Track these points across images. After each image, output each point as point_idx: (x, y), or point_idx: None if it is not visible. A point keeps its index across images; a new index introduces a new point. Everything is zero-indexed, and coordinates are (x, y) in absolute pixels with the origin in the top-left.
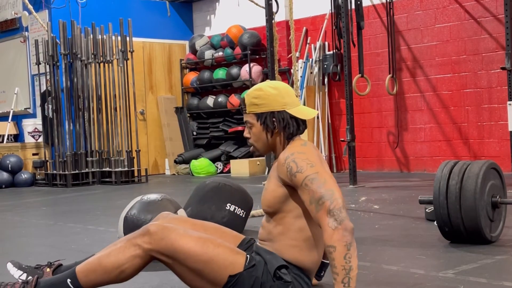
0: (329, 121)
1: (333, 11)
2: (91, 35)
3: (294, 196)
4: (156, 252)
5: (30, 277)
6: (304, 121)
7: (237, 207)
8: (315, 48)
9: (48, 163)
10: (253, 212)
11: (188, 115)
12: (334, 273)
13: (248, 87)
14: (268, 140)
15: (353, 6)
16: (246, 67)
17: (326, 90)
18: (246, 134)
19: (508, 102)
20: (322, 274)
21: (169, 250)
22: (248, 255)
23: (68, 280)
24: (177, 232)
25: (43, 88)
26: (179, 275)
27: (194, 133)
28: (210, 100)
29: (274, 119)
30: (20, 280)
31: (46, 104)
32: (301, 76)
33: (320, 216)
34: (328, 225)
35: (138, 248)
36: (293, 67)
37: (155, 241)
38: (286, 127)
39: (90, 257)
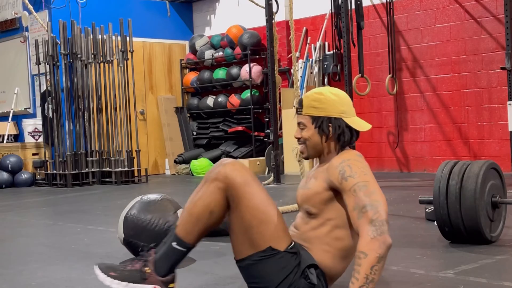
0: None
1: (333, 11)
2: (91, 35)
3: (337, 202)
4: (230, 183)
5: (147, 254)
6: (357, 132)
7: None
8: (315, 48)
9: (48, 163)
10: None
11: (188, 115)
12: (354, 277)
13: (248, 87)
14: (319, 144)
15: (353, 6)
16: (246, 67)
17: None
18: (297, 134)
19: (508, 102)
20: None
21: (240, 189)
22: (293, 242)
23: (174, 244)
24: (253, 178)
25: (43, 88)
26: (231, 220)
27: (194, 133)
28: (210, 100)
29: (330, 124)
30: (138, 261)
31: (46, 104)
32: (301, 76)
33: (361, 223)
34: (367, 233)
35: (215, 180)
36: (293, 67)
37: (232, 171)
38: (341, 135)
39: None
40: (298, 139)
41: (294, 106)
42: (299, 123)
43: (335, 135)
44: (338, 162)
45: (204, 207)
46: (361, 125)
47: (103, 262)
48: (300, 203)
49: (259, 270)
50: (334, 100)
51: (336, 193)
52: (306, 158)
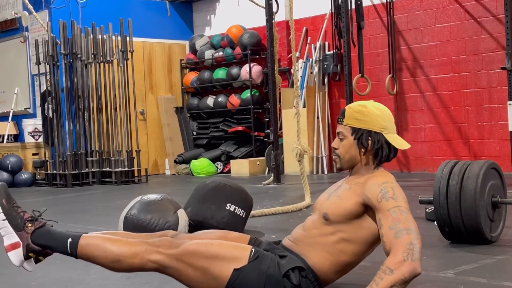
0: (329, 121)
1: (333, 11)
2: (91, 35)
3: (359, 219)
4: (168, 259)
5: (36, 216)
6: (396, 150)
7: (237, 207)
8: (315, 48)
9: (48, 163)
10: (253, 212)
11: (188, 115)
12: (370, 286)
13: (248, 87)
14: (356, 156)
15: (353, 6)
16: (246, 67)
17: (326, 90)
18: (334, 144)
19: (508, 102)
20: None
21: (177, 256)
22: (253, 248)
23: (69, 240)
24: (183, 241)
25: (43, 88)
26: (185, 279)
27: (194, 133)
28: (210, 100)
29: (369, 138)
30: (31, 215)
31: (46, 104)
32: (301, 76)
33: (399, 243)
34: (402, 253)
35: (152, 252)
36: (293, 67)
37: (168, 249)
38: (379, 149)
39: (102, 232)
40: (335, 149)
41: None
42: (338, 133)
43: (373, 149)
44: (380, 181)
45: (119, 255)
46: (400, 143)
47: (8, 190)
48: (319, 207)
49: None
50: (376, 115)
51: (365, 210)
52: (340, 169)
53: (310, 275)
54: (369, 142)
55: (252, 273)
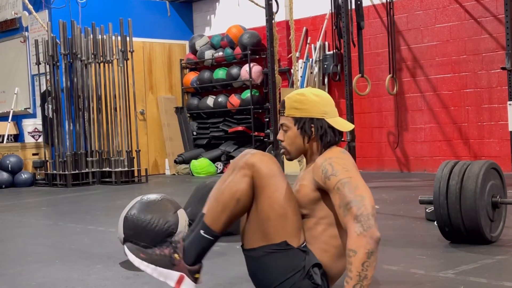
0: None
1: (333, 11)
2: (91, 35)
3: (326, 201)
4: (256, 171)
5: (177, 241)
6: (340, 132)
7: None
8: (315, 48)
9: (48, 163)
10: None
11: (188, 115)
12: (348, 276)
13: (248, 87)
14: (302, 145)
15: (353, 6)
16: (246, 67)
17: (326, 90)
18: (280, 137)
19: (508, 102)
20: None
21: (264, 179)
22: (305, 241)
23: (202, 232)
24: (280, 172)
25: (43, 88)
26: (251, 209)
27: (194, 133)
28: (210, 100)
29: (312, 125)
30: (167, 246)
31: (46, 104)
32: (301, 76)
33: (347, 220)
34: (353, 230)
35: (243, 168)
36: (293, 67)
37: (260, 161)
38: (323, 135)
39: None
40: (281, 141)
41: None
42: (281, 125)
43: (317, 136)
44: (320, 162)
45: (231, 195)
46: (343, 125)
47: (131, 244)
48: None
49: (268, 263)
50: (315, 101)
51: (324, 192)
52: (290, 159)
53: (323, 272)
54: (312, 129)
55: (290, 258)
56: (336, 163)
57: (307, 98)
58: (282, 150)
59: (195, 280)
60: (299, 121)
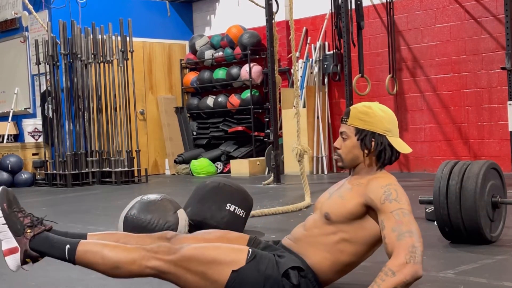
0: (329, 121)
1: (333, 11)
2: (91, 35)
3: (361, 220)
4: (166, 265)
5: (37, 221)
6: (398, 153)
7: (237, 207)
8: (315, 48)
9: (48, 163)
10: (253, 212)
11: (188, 115)
12: (371, 287)
13: (248, 87)
14: (358, 157)
15: (353, 6)
16: (246, 67)
17: (326, 90)
18: (337, 144)
19: (508, 102)
20: None
21: (175, 262)
22: (250, 249)
23: (67, 247)
24: (181, 246)
25: (43, 88)
26: (184, 284)
27: (194, 133)
28: (210, 100)
29: (373, 139)
30: (33, 217)
31: (46, 104)
32: (301, 76)
33: (401, 245)
34: (404, 256)
35: (150, 259)
36: (293, 67)
37: (167, 256)
38: (382, 152)
39: (101, 233)
40: (337, 149)
41: (294, 106)
42: (342, 132)
43: (376, 151)
44: (384, 183)
45: (118, 262)
46: (403, 147)
47: (12, 192)
48: (321, 206)
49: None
50: (381, 116)
51: (367, 211)
52: (341, 167)
53: (309, 274)
54: (373, 143)
55: (250, 273)
56: (401, 192)
57: (374, 112)
58: (336, 157)
59: (24, 262)
60: (361, 132)
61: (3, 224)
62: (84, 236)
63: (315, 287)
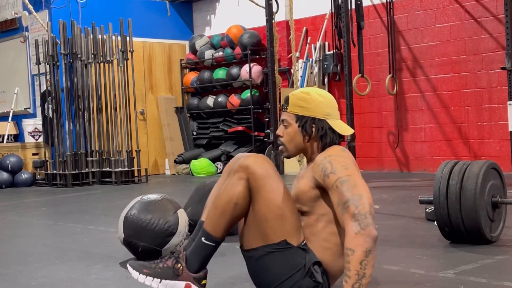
0: None
1: (333, 11)
2: (91, 35)
3: (326, 199)
4: (251, 173)
5: (179, 251)
6: (341, 135)
7: None
8: (315, 48)
9: (48, 163)
10: None
11: (188, 115)
12: (346, 275)
13: (248, 87)
14: (301, 144)
15: (353, 6)
16: (246, 67)
17: (326, 90)
18: (279, 132)
19: (508, 102)
20: None
21: (260, 180)
22: (305, 240)
23: (203, 239)
24: (275, 172)
25: (43, 88)
26: (248, 210)
27: (194, 133)
28: (210, 100)
29: (313, 125)
30: (170, 255)
31: (46, 104)
32: (301, 76)
33: (345, 219)
34: (351, 228)
35: (237, 172)
36: (293, 67)
37: (254, 163)
38: (324, 136)
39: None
40: (280, 137)
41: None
42: (282, 120)
43: (317, 136)
44: (320, 159)
45: (228, 199)
46: (344, 129)
47: (133, 261)
48: (294, 201)
49: (269, 262)
50: (320, 101)
51: (323, 190)
52: (287, 157)
53: (323, 270)
54: (313, 129)
55: (291, 257)
56: (336, 161)
57: (312, 98)
58: (280, 147)
59: (203, 286)
60: (301, 119)
61: (160, 282)
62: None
63: (326, 283)
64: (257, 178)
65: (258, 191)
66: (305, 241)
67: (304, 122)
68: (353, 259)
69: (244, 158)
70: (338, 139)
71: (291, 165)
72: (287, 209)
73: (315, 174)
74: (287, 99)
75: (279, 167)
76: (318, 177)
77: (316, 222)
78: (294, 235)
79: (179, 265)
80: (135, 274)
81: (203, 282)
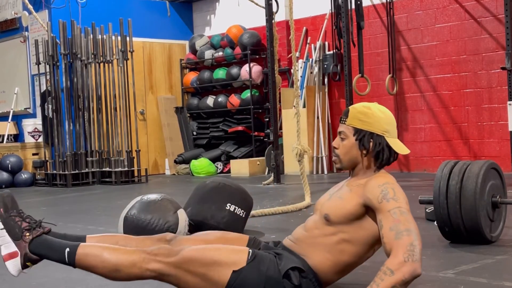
0: (329, 121)
1: (333, 11)
2: (91, 35)
3: (360, 220)
4: (166, 267)
5: (36, 224)
6: (396, 154)
7: (237, 207)
8: (315, 48)
9: (48, 163)
10: (253, 212)
11: (188, 115)
12: (371, 287)
13: (248, 87)
14: (356, 157)
15: (353, 6)
16: (246, 67)
17: (326, 90)
18: (335, 144)
19: (508, 102)
20: None
21: (175, 264)
22: (250, 250)
23: (67, 250)
24: (181, 248)
25: (43, 88)
26: (185, 286)
27: (194, 133)
28: (210, 100)
29: (371, 140)
30: (31, 220)
31: (46, 104)
32: (301, 76)
33: (399, 244)
34: (402, 254)
35: (150, 261)
36: (293, 67)
37: (167, 258)
38: (380, 152)
39: (100, 236)
40: (335, 148)
41: (294, 106)
42: (340, 132)
43: (374, 152)
44: (381, 182)
45: (118, 264)
46: (401, 148)
47: (10, 195)
48: (321, 208)
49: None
50: (380, 117)
51: (366, 211)
52: (339, 169)
53: (310, 275)
54: (371, 144)
55: (251, 274)
56: (398, 191)
57: (373, 113)
58: (334, 158)
59: (25, 266)
60: (359, 132)
61: (1, 229)
62: (83, 239)
63: (316, 287)
64: (174, 261)
65: (180, 267)
66: (250, 252)
67: (362, 136)
68: (388, 280)
69: (159, 251)
70: (394, 157)
71: (291, 165)
72: (212, 252)
73: (370, 194)
74: (347, 112)
75: (279, 167)
76: (374, 197)
77: (333, 235)
78: (237, 259)
79: (28, 233)
80: None
81: (28, 263)
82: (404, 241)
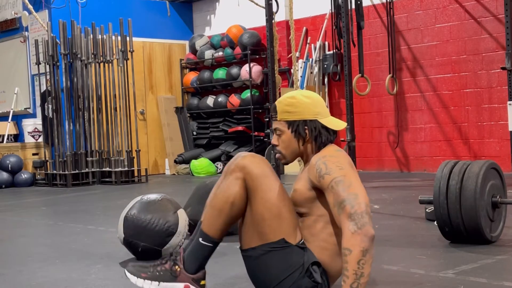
0: None
1: (333, 11)
2: (91, 35)
3: (323, 200)
4: (247, 173)
5: (177, 253)
6: (335, 132)
7: None
8: (315, 48)
9: (48, 163)
10: None
11: (188, 115)
12: (344, 275)
13: (248, 87)
14: (298, 148)
15: (353, 6)
16: (246, 67)
17: (326, 90)
18: (274, 141)
19: (508, 102)
20: None
21: (256, 180)
22: (304, 240)
23: (200, 239)
24: (271, 171)
25: (43, 88)
26: (246, 210)
27: (194, 133)
28: (210, 100)
29: (306, 127)
30: (168, 258)
31: (46, 104)
32: (301, 76)
33: (341, 219)
34: (348, 228)
35: (234, 172)
36: (293, 67)
37: (251, 163)
38: (318, 136)
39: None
40: (275, 146)
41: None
42: (275, 129)
43: (312, 137)
44: (315, 161)
45: (225, 199)
46: (336, 124)
47: (130, 264)
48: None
49: (267, 262)
50: (307, 103)
51: (320, 191)
52: (286, 163)
53: (322, 270)
54: (307, 131)
55: (289, 256)
56: (330, 161)
57: (298, 101)
58: (278, 155)
59: (202, 287)
60: (292, 124)
61: (159, 285)
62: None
63: (325, 282)
64: (254, 178)
65: (255, 191)
66: (303, 240)
67: (296, 126)
68: (350, 259)
69: (241, 158)
70: (333, 135)
71: (291, 165)
72: (284, 208)
73: (311, 175)
74: (274, 108)
75: (279, 168)
76: (314, 178)
77: (315, 223)
78: (292, 233)
79: (176, 267)
80: (133, 278)
81: (202, 282)
82: (344, 213)
